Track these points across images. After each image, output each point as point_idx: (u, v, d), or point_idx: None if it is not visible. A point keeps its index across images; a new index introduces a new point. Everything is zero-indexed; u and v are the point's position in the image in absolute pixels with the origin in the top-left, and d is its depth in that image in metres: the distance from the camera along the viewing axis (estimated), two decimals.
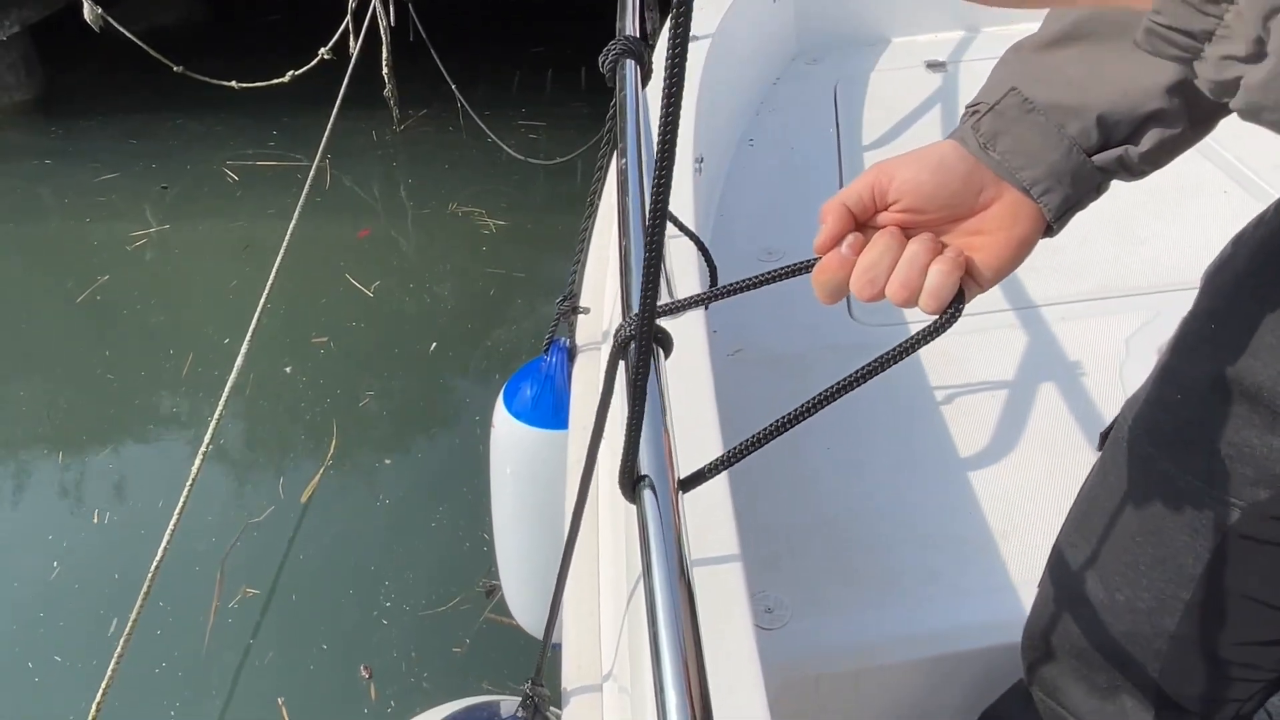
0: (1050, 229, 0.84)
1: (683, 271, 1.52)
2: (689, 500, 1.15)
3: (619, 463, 0.85)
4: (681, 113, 0.67)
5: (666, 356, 0.96)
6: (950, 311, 0.82)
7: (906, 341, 0.83)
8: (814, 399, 0.88)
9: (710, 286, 1.47)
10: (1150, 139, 0.82)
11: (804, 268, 0.88)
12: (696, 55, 2.32)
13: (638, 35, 1.63)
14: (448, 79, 4.97)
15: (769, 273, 0.91)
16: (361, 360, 4.00)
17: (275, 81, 5.27)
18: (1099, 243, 2.18)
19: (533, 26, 6.26)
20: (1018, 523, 1.64)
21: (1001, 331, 2.00)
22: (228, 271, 4.56)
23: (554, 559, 1.89)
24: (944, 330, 0.83)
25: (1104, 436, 1.11)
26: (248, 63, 5.63)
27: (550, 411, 1.72)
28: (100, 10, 5.36)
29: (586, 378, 1.67)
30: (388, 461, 3.58)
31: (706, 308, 1.49)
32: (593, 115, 5.20)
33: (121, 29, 5.45)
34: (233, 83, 5.53)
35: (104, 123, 5.99)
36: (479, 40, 6.06)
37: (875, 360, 0.84)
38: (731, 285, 0.95)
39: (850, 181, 0.87)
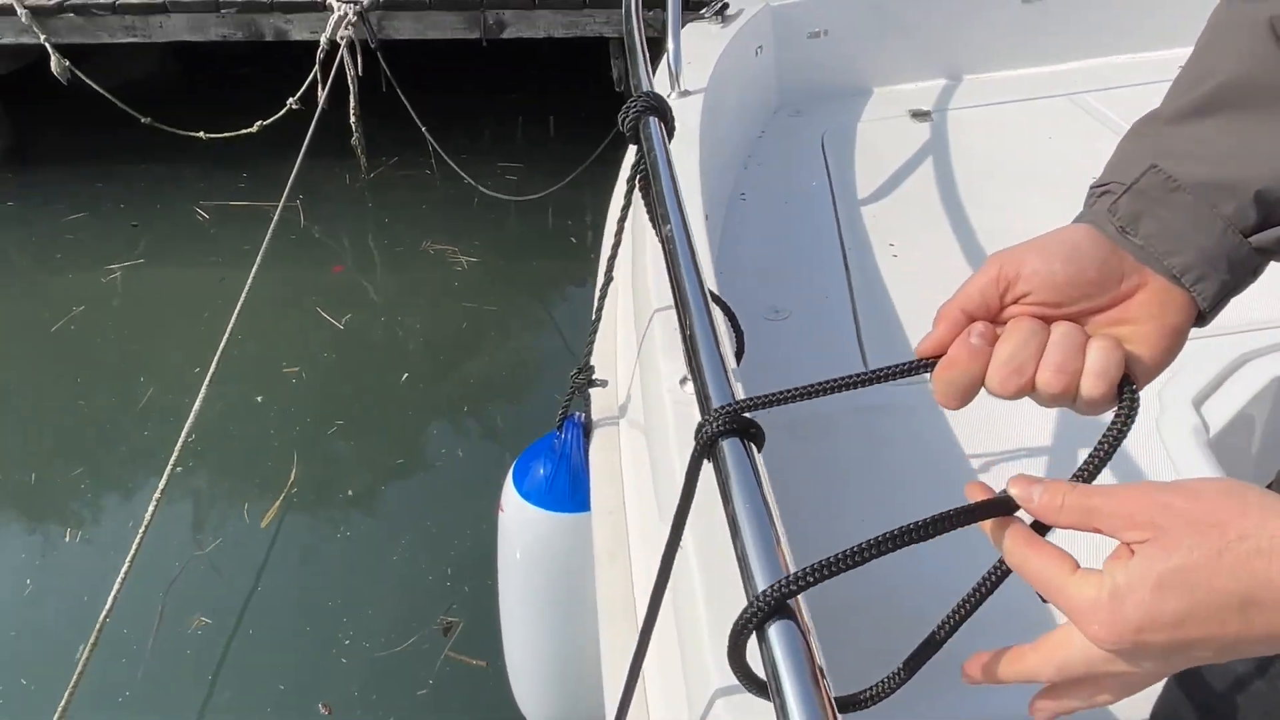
0: (1204, 317, 0.65)
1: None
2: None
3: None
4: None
5: (759, 450, 0.70)
6: (1128, 398, 0.61)
7: (1101, 447, 0.60)
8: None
9: (737, 354, 1.20)
10: None
11: (917, 367, 0.67)
12: (693, 110, 1.94)
13: (654, 89, 1.29)
14: (418, 122, 4.50)
15: (870, 372, 0.68)
16: (332, 390, 3.53)
17: (244, 132, 4.76)
18: None
19: (503, 75, 5.81)
20: None
21: None
22: (201, 305, 4.05)
23: (567, 648, 1.48)
24: (1131, 423, 0.60)
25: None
26: (218, 113, 5.11)
27: (566, 493, 1.35)
28: (68, 63, 4.87)
29: (607, 456, 1.36)
30: (350, 492, 3.10)
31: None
32: (564, 158, 4.79)
33: (88, 80, 4.95)
34: (200, 133, 4.99)
35: (72, 170, 5.44)
36: (450, 90, 5.59)
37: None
38: (826, 383, 0.68)
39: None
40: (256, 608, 2.71)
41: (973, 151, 2.36)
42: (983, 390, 0.64)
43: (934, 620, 1.20)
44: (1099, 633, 0.52)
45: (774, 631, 0.56)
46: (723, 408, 0.68)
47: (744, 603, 0.89)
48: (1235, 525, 0.49)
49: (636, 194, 1.21)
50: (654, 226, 1.23)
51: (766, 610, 0.56)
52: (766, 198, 2.24)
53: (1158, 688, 1.13)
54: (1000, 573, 0.62)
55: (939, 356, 0.65)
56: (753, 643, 0.59)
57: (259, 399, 3.50)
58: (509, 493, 1.42)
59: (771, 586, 0.56)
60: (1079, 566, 0.55)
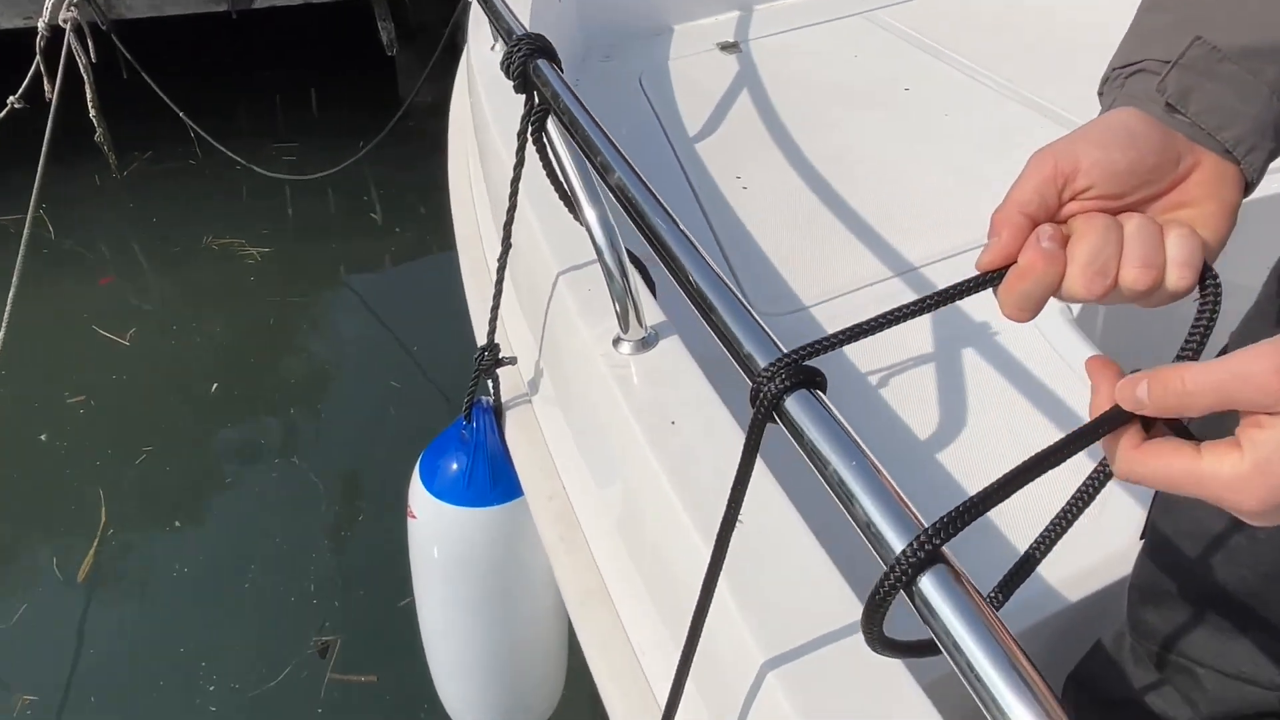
0: (1249, 188, 0.63)
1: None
2: None
3: None
4: None
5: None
6: (1210, 284, 0.58)
7: (1194, 335, 0.57)
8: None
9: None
10: None
11: (983, 282, 0.61)
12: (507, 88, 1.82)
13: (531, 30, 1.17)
14: (173, 107, 4.02)
15: (935, 295, 0.61)
16: (131, 414, 3.13)
17: None
18: (958, 193, 1.85)
19: (259, 50, 5.29)
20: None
21: (898, 298, 1.61)
22: None
23: (508, 645, 1.35)
24: (1218, 310, 0.57)
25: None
26: None
27: (487, 486, 1.22)
28: None
29: (529, 438, 1.23)
30: (177, 523, 2.77)
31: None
32: (337, 133, 4.46)
33: None
34: None
35: None
36: (198, 71, 5.04)
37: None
38: (891, 314, 0.60)
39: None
40: (92, 671, 2.38)
41: (787, 76, 2.36)
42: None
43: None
44: (1252, 505, 0.50)
45: (929, 584, 0.49)
46: (780, 360, 0.59)
47: (752, 569, 0.81)
48: None
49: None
50: (553, 180, 1.11)
51: (918, 566, 0.49)
52: None
53: (1132, 557, 1.16)
54: (1097, 484, 0.58)
55: (1005, 267, 0.60)
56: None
57: (43, 438, 3.05)
58: (419, 496, 1.26)
59: (920, 538, 0.49)
60: (1199, 446, 0.52)
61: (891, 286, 1.63)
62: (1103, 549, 1.20)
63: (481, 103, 1.67)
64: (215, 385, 3.20)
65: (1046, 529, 0.61)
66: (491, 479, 1.21)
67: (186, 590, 2.56)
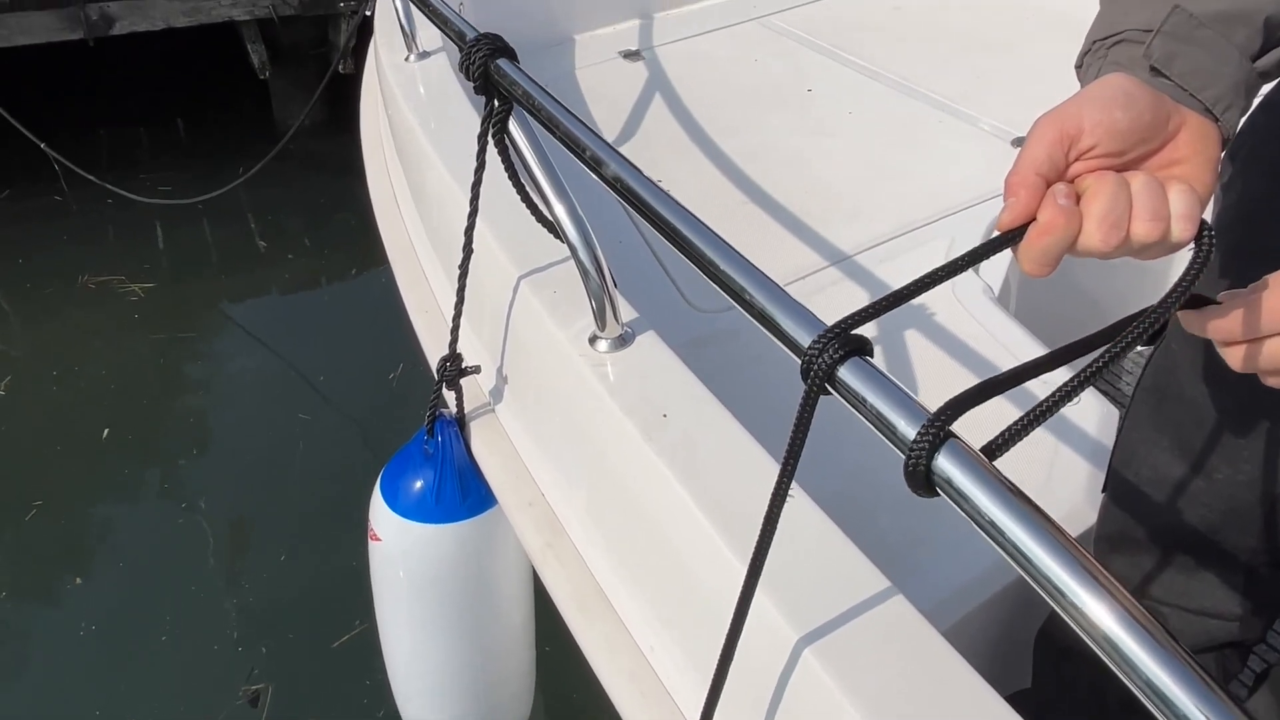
0: (1226, 142, 0.68)
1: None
2: None
3: None
4: None
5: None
6: (1206, 235, 0.61)
7: (1182, 282, 0.59)
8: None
9: None
10: None
11: (1003, 242, 0.63)
12: (445, 69, 1.80)
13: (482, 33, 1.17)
14: (34, 139, 3.76)
15: (960, 259, 0.62)
16: (15, 469, 2.92)
17: None
18: (871, 185, 1.92)
19: (115, 82, 5.01)
20: None
21: (838, 287, 1.65)
22: None
23: (476, 667, 1.32)
24: (1211, 257, 0.60)
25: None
26: None
27: (456, 500, 1.19)
28: None
29: (498, 447, 1.20)
30: (78, 580, 2.60)
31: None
32: (211, 158, 4.29)
33: None
34: None
35: None
36: (53, 101, 4.75)
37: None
38: (924, 280, 0.61)
39: None
40: None
41: (693, 82, 2.40)
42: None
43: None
44: None
45: (945, 462, 0.54)
46: (829, 332, 0.59)
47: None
48: None
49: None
50: (515, 181, 1.09)
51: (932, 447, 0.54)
52: None
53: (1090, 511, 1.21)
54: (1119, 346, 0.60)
55: (1024, 226, 0.62)
56: None
57: None
58: (383, 516, 1.21)
59: (933, 418, 0.55)
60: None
61: (827, 276, 1.67)
62: (1062, 506, 1.26)
63: (405, 115, 1.63)
64: (106, 431, 3.01)
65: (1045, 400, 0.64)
66: (461, 493, 1.18)
67: (96, 649, 2.39)
